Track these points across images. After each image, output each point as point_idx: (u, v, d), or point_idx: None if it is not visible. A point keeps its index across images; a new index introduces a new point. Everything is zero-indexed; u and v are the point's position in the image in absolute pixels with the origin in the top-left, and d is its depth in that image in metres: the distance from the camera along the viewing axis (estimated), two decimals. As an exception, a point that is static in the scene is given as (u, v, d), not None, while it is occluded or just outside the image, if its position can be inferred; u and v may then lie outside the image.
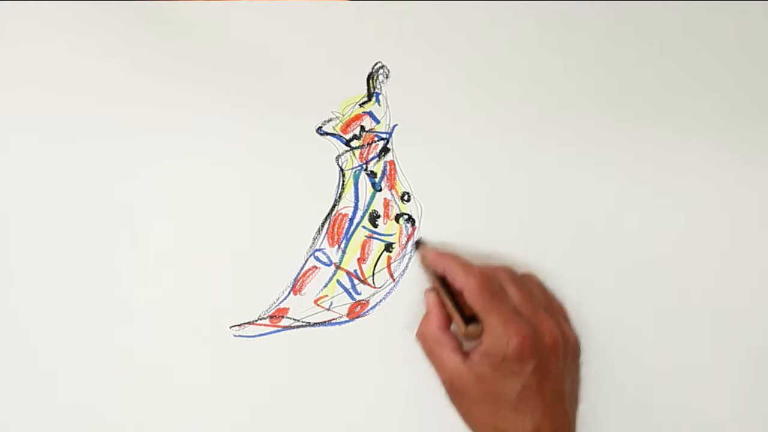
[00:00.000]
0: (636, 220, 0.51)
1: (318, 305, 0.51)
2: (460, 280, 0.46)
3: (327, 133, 0.51)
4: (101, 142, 0.50)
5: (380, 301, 0.51)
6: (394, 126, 0.51)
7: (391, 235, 0.51)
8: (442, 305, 0.47)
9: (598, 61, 0.52)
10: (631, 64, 0.52)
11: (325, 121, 0.51)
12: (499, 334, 0.44)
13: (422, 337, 0.47)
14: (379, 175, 0.51)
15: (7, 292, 0.50)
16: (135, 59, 0.50)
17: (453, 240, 0.51)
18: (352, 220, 0.51)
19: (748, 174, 0.52)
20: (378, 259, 0.51)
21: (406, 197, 0.51)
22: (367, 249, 0.51)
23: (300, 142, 0.51)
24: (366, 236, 0.51)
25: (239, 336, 0.50)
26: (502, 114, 0.51)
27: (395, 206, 0.52)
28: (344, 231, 0.51)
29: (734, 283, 0.51)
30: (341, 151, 0.51)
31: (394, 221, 0.51)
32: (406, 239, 0.51)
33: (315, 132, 0.51)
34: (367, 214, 0.51)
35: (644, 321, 0.51)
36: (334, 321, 0.51)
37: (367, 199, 0.51)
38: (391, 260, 0.51)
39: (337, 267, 0.51)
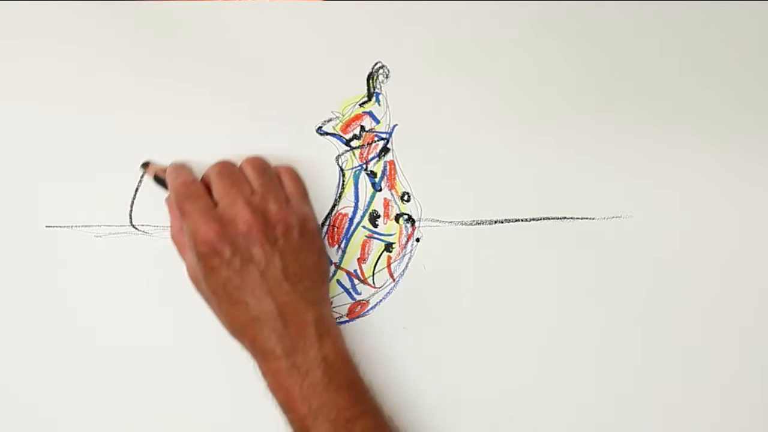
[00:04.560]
0: (636, 219, 0.51)
1: (318, 305, 0.51)
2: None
3: (327, 133, 0.51)
4: (100, 141, 0.50)
5: (380, 301, 0.51)
6: (394, 126, 0.51)
7: (391, 235, 0.51)
8: None
9: (599, 61, 0.52)
10: (631, 63, 0.52)
11: (325, 121, 0.51)
12: (191, 236, 0.45)
13: (172, 240, 0.49)
14: (379, 175, 0.51)
15: (6, 291, 0.50)
16: (134, 59, 0.50)
17: (453, 239, 0.51)
18: (352, 220, 0.51)
19: (750, 173, 0.52)
20: (378, 259, 0.51)
21: (406, 197, 0.51)
22: (367, 249, 0.51)
23: (300, 142, 0.51)
24: (366, 236, 0.51)
25: (239, 336, 0.50)
26: (502, 113, 0.51)
27: (395, 206, 0.51)
28: (344, 231, 0.51)
29: (736, 283, 0.51)
30: (341, 151, 0.51)
31: (394, 221, 0.51)
32: (406, 239, 0.51)
33: (315, 132, 0.51)
34: (367, 214, 0.51)
35: (644, 320, 0.51)
36: (334, 321, 0.51)
37: (367, 199, 0.51)
38: (391, 260, 0.51)
39: (337, 267, 0.51)
